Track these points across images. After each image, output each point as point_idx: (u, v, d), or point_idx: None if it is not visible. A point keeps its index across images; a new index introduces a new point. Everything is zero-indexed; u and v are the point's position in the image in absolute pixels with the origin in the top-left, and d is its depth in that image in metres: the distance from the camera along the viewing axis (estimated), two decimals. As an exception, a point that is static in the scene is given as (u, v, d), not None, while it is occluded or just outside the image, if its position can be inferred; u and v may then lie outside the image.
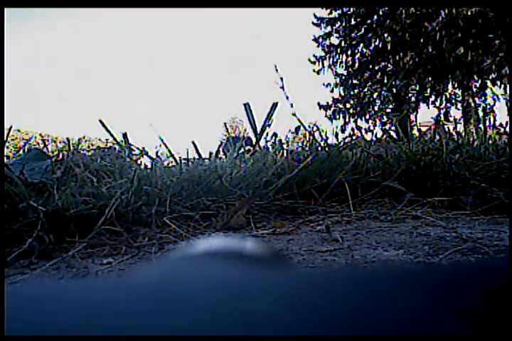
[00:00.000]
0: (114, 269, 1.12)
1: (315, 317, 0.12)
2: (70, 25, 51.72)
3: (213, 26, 52.35)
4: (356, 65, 14.40)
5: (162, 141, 2.31)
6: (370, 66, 14.07)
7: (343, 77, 14.62)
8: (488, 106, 12.91)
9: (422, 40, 12.55)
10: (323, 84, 14.92)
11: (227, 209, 1.62)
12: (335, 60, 14.55)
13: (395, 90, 13.72)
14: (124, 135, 2.46)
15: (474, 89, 13.06)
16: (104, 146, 2.96)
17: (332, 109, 14.59)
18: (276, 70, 2.88)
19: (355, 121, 14.26)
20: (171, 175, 1.83)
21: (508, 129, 2.59)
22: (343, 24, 14.22)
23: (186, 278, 0.17)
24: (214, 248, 0.25)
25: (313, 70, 14.73)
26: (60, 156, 2.13)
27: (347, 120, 14.44)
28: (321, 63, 14.61)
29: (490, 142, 2.23)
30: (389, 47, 13.30)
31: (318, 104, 14.67)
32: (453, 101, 13.59)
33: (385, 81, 13.87)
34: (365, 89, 14.45)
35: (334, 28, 14.42)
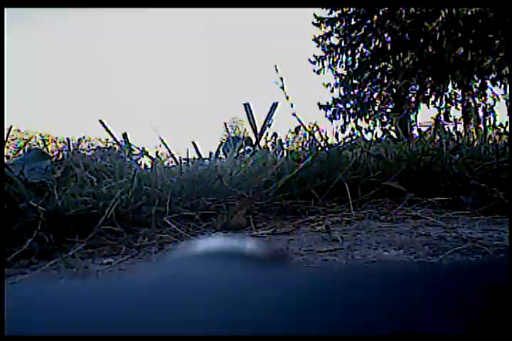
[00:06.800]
0: (114, 269, 1.12)
1: (314, 316, 0.12)
2: (70, 25, 51.74)
3: (214, 26, 52.37)
4: (356, 65, 14.39)
5: (162, 141, 2.31)
6: (370, 66, 14.06)
7: (343, 77, 14.61)
8: (488, 106, 12.91)
9: (422, 40, 12.54)
10: (323, 84, 14.91)
11: (227, 209, 1.62)
12: (335, 60, 14.54)
13: (395, 90, 13.71)
14: (124, 135, 2.46)
15: (474, 89, 13.05)
16: (104, 146, 2.96)
17: (332, 109, 14.58)
18: (277, 70, 2.88)
19: (355, 121, 14.25)
20: (171, 175, 1.83)
21: (508, 129, 2.59)
22: (343, 24, 14.21)
23: (186, 278, 0.17)
24: (214, 248, 0.25)
25: (313, 70, 14.72)
26: (60, 156, 2.13)
27: (347, 120, 14.42)
28: (321, 63, 14.60)
29: (490, 142, 2.23)
30: (389, 47, 13.29)
31: (318, 104, 14.66)
32: (453, 101, 13.58)
33: (385, 81, 13.86)
34: (365, 89, 14.44)
35: (334, 28, 14.40)
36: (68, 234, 1.36)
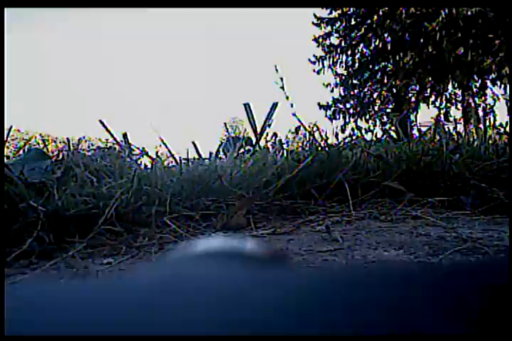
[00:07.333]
0: (114, 269, 1.12)
1: (314, 316, 0.12)
2: (70, 25, 51.72)
3: (214, 26, 52.34)
4: (356, 65, 14.39)
5: (162, 141, 2.31)
6: (370, 66, 14.06)
7: (343, 77, 14.61)
8: (488, 106, 12.91)
9: (422, 40, 12.54)
10: (323, 84, 14.91)
11: (227, 209, 1.62)
12: (335, 60, 14.54)
13: (395, 90, 13.71)
14: (124, 135, 2.46)
15: (474, 89, 13.05)
16: (104, 146, 2.96)
17: (332, 109, 14.58)
18: (277, 70, 2.88)
19: (355, 121, 14.25)
20: (171, 175, 1.83)
21: (508, 129, 2.59)
22: (343, 24, 14.21)
23: (186, 278, 0.17)
24: (214, 248, 0.25)
25: (313, 70, 14.72)
26: (60, 156, 2.14)
27: (347, 120, 14.42)
28: (321, 63, 14.60)
29: (490, 142, 2.23)
30: (389, 47, 13.29)
31: (318, 104, 14.66)
32: (453, 101, 13.58)
33: (385, 81, 13.86)
34: (365, 89, 14.44)
35: (334, 28, 14.40)
36: (68, 234, 1.36)
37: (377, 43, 13.75)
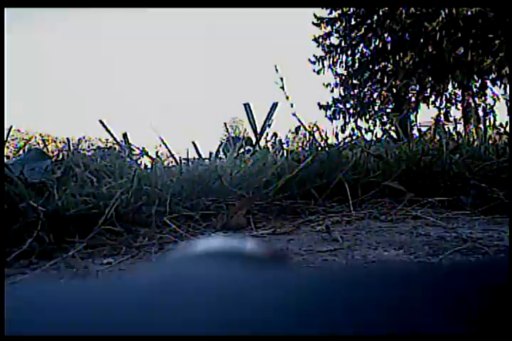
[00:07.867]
0: (114, 269, 1.12)
1: (314, 316, 0.12)
2: (70, 25, 51.71)
3: (214, 26, 52.34)
4: (356, 65, 14.39)
5: (162, 141, 2.31)
6: (370, 66, 14.06)
7: (343, 77, 14.61)
8: (488, 106, 12.92)
9: (422, 40, 12.54)
10: (323, 84, 14.91)
11: (227, 209, 1.62)
12: (335, 60, 14.55)
13: (395, 90, 13.71)
14: (124, 135, 2.46)
15: (474, 89, 13.06)
16: (104, 146, 2.96)
17: (332, 109, 14.58)
18: (277, 70, 2.88)
19: (355, 121, 14.25)
20: (171, 175, 1.83)
21: (508, 129, 2.59)
22: (343, 24, 14.21)
23: (186, 278, 0.17)
24: (214, 248, 0.25)
25: (313, 70, 14.72)
26: (60, 156, 2.14)
27: (347, 120, 14.43)
28: (321, 63, 14.61)
29: (490, 142, 2.23)
30: (389, 47, 13.30)
31: (318, 104, 14.66)
32: (453, 101, 13.59)
33: (385, 81, 13.86)
34: (365, 89, 14.44)
35: (334, 28, 14.41)
36: (68, 234, 1.36)
37: (377, 43, 13.75)
